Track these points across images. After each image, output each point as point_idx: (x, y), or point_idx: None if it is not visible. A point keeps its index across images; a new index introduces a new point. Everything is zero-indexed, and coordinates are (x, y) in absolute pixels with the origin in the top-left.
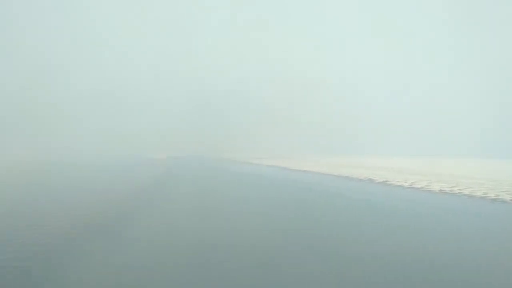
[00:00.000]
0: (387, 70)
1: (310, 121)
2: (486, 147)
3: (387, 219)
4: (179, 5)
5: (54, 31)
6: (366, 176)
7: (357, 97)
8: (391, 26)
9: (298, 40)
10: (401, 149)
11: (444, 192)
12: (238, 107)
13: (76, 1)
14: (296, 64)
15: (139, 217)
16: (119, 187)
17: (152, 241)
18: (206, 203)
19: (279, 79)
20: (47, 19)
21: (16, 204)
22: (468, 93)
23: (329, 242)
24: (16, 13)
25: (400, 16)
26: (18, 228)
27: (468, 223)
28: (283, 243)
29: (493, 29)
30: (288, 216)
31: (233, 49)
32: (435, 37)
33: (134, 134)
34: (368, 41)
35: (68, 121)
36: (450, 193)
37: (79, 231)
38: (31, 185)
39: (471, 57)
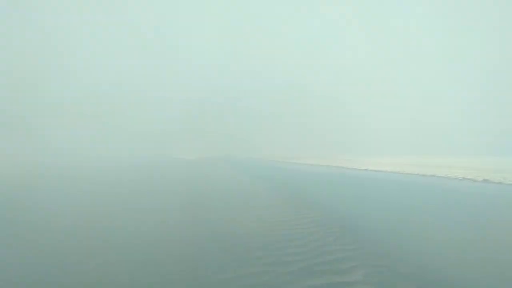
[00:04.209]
0: (386, 72)
1: (323, 125)
2: (482, 146)
3: None
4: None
5: (52, 32)
6: (457, 175)
7: (359, 102)
8: (390, 27)
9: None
10: (398, 150)
11: None
12: (243, 111)
13: (73, 1)
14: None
15: None
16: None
17: None
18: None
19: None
20: (42, 19)
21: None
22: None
23: None
24: (11, 13)
25: (395, 19)
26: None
27: None
28: None
29: (491, 30)
30: None
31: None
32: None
33: (142, 135)
34: (369, 41)
35: (68, 124)
36: None
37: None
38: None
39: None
